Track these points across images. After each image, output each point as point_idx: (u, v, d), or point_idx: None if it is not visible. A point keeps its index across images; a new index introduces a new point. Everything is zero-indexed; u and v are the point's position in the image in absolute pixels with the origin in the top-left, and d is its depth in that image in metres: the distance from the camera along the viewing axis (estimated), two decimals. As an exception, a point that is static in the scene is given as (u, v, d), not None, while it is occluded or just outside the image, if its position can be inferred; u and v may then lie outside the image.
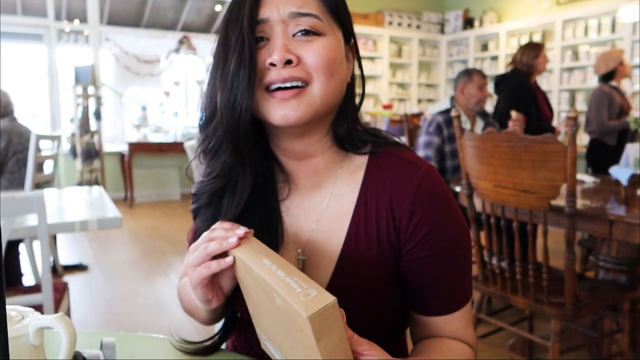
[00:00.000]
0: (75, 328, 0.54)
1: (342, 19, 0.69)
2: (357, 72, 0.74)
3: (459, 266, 0.71)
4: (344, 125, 0.71)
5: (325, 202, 0.73)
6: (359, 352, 0.55)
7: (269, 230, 0.72)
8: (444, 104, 2.90)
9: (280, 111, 0.64)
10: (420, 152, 2.76)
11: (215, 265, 0.61)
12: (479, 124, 2.85)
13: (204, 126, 0.70)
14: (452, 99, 2.82)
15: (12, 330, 0.54)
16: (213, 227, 0.64)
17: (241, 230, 0.61)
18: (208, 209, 0.72)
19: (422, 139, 2.79)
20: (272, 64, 0.64)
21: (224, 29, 0.66)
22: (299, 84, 0.64)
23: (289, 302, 0.50)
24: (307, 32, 0.65)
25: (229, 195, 0.70)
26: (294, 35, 0.65)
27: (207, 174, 0.72)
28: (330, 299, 0.49)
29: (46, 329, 0.56)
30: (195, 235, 0.72)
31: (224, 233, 0.62)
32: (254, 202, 0.72)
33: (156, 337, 0.79)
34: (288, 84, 0.64)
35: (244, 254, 0.59)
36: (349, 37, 0.72)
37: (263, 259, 0.57)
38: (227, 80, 0.64)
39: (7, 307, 0.59)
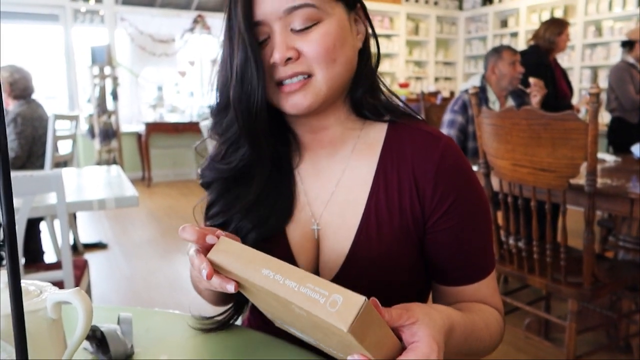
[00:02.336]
0: (91, 303, 0.55)
1: None
2: (369, 30, 0.73)
3: (484, 233, 0.72)
4: (359, 89, 0.72)
5: (342, 170, 0.73)
6: (399, 327, 0.52)
7: (281, 198, 0.72)
8: (474, 81, 2.83)
9: (289, 101, 0.67)
10: (444, 131, 2.71)
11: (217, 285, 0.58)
12: (510, 104, 2.76)
13: (217, 115, 0.71)
14: (484, 77, 2.74)
15: (30, 304, 0.55)
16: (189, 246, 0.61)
17: (204, 271, 0.55)
18: (218, 187, 0.73)
19: (446, 116, 2.72)
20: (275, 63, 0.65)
21: (226, 27, 0.67)
22: (304, 76, 0.66)
23: (317, 316, 0.47)
24: (304, 22, 0.65)
25: (245, 183, 0.71)
26: (292, 29, 0.65)
27: (221, 159, 0.72)
28: (360, 300, 0.46)
29: (64, 304, 0.57)
30: (207, 205, 0.74)
31: (195, 265, 0.57)
32: (269, 177, 0.72)
33: (172, 312, 0.80)
34: (295, 79, 0.66)
35: (237, 269, 0.55)
36: (354, 3, 0.70)
37: (261, 270, 0.53)
38: (237, 79, 0.66)
39: (26, 282, 0.61)
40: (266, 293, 0.53)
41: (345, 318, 0.45)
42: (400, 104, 0.76)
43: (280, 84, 0.67)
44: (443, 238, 0.69)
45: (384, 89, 0.75)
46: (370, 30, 0.73)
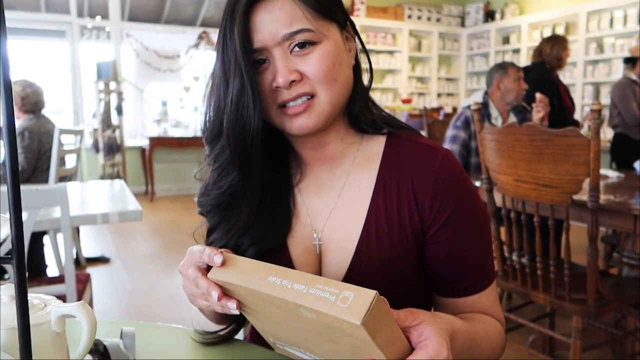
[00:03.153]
0: (95, 316, 0.55)
1: (332, 13, 0.68)
2: (359, 46, 0.74)
3: (483, 244, 0.72)
4: (357, 104, 0.73)
5: (342, 184, 0.74)
6: (406, 328, 0.53)
7: (280, 216, 0.73)
8: (476, 97, 2.85)
9: (295, 123, 0.68)
10: (446, 147, 2.71)
11: (218, 306, 0.60)
12: (512, 119, 2.77)
13: (210, 142, 0.72)
14: (486, 93, 2.76)
15: (34, 317, 0.55)
16: (188, 269, 0.63)
17: (215, 293, 0.58)
18: (215, 215, 0.74)
19: (449, 132, 2.74)
20: (279, 87, 0.66)
21: (220, 51, 0.67)
22: (308, 97, 0.67)
23: (329, 314, 0.47)
24: (302, 45, 0.66)
25: (237, 207, 0.72)
26: (291, 51, 0.66)
27: (213, 184, 0.73)
28: (371, 294, 0.47)
29: (68, 318, 0.57)
30: (207, 231, 0.76)
31: (202, 288, 0.60)
32: (265, 191, 0.73)
33: (175, 327, 0.80)
34: (299, 101, 0.67)
35: (242, 280, 0.55)
36: (344, 21, 0.71)
37: (267, 278, 0.53)
38: (232, 107, 0.66)
39: (31, 295, 0.61)
40: (273, 302, 0.53)
41: (357, 312, 0.46)
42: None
43: (283, 106, 0.67)
44: (442, 249, 0.70)
45: (371, 103, 0.76)
46: (360, 46, 0.74)
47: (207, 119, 0.71)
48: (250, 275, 0.55)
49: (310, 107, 0.67)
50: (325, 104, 0.67)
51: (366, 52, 0.75)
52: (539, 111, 2.65)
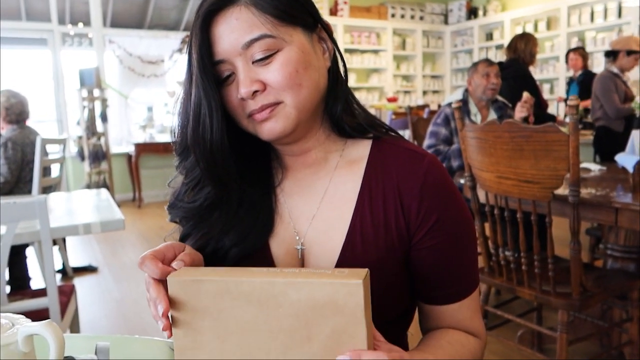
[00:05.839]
0: (62, 334, 0.54)
1: (294, 18, 0.67)
2: (330, 46, 0.73)
3: (468, 252, 0.72)
4: (337, 105, 0.72)
5: (325, 187, 0.73)
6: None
7: (262, 216, 0.72)
8: (457, 95, 2.90)
9: (264, 129, 0.67)
10: (426, 141, 2.76)
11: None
12: (492, 116, 2.81)
13: (179, 153, 0.72)
14: (466, 90, 2.83)
15: (1, 338, 0.54)
16: (146, 277, 0.59)
17: (161, 304, 0.55)
18: (189, 221, 0.73)
19: (429, 128, 2.79)
20: (243, 99, 0.66)
21: (187, 68, 0.67)
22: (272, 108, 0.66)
23: (327, 282, 0.50)
24: (263, 54, 0.65)
25: (216, 215, 0.71)
26: (253, 62, 0.65)
27: (186, 198, 0.73)
28: (364, 269, 0.52)
29: (37, 336, 0.56)
30: (180, 237, 0.74)
31: (151, 296, 0.57)
32: (244, 197, 0.72)
33: (152, 339, 0.79)
34: (266, 111, 0.66)
35: (219, 274, 0.55)
36: (314, 24, 0.70)
37: (249, 271, 0.54)
38: (193, 121, 0.66)
39: (-1, 314, 0.60)
40: (251, 292, 0.52)
41: (355, 276, 0.50)
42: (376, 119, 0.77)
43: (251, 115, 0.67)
44: (427, 255, 0.69)
45: (356, 105, 0.75)
46: (332, 48, 0.72)
47: (176, 131, 0.70)
48: (227, 271, 0.55)
49: (276, 112, 0.66)
50: (292, 108, 0.66)
51: (340, 54, 0.74)
52: (521, 110, 2.68)
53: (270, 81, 0.65)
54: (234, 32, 0.64)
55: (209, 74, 0.65)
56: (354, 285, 0.49)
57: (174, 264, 0.59)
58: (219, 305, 0.54)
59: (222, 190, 0.70)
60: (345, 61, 0.75)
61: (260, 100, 0.66)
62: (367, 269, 0.51)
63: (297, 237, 0.72)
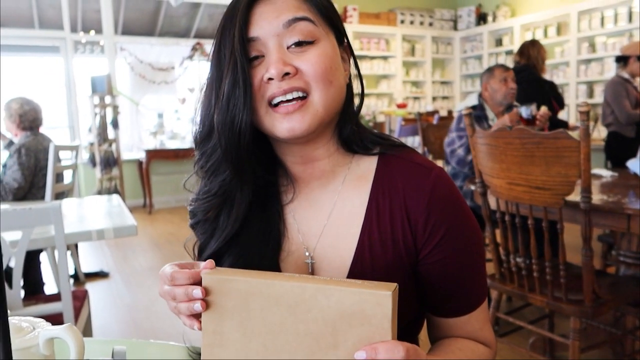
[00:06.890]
0: (82, 338, 0.56)
1: (334, 21, 0.69)
2: (353, 71, 0.74)
3: (475, 265, 0.71)
4: (347, 126, 0.72)
5: (333, 202, 0.73)
6: None
7: (269, 235, 0.72)
8: (471, 100, 2.89)
9: (285, 124, 0.65)
10: (455, 146, 2.69)
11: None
12: None
13: (200, 144, 0.71)
14: (480, 95, 2.81)
15: (23, 341, 0.55)
16: (170, 273, 0.61)
17: (197, 291, 0.57)
18: (205, 224, 0.73)
19: (452, 134, 2.75)
20: (271, 79, 0.64)
21: (216, 50, 0.67)
22: (300, 94, 0.65)
23: (357, 290, 0.51)
24: (300, 43, 0.65)
25: (227, 211, 0.71)
26: (288, 48, 0.65)
27: (204, 192, 0.72)
28: (393, 283, 0.52)
29: (57, 339, 0.57)
30: (198, 250, 0.74)
31: (184, 294, 0.58)
32: (253, 210, 0.72)
33: (168, 344, 0.80)
34: (289, 96, 0.64)
35: (251, 275, 0.56)
36: (342, 38, 0.72)
37: (280, 274, 0.56)
38: (223, 101, 0.65)
39: (20, 318, 0.61)
40: (282, 294, 0.53)
41: (385, 287, 0.51)
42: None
43: (273, 105, 0.65)
44: (435, 269, 0.69)
45: (362, 129, 0.75)
46: (355, 72, 0.73)
47: (199, 121, 0.70)
48: (258, 273, 0.56)
49: (304, 108, 0.65)
50: (319, 105, 0.65)
51: (361, 78, 0.74)
52: (536, 125, 2.68)
53: (304, 69, 0.65)
54: (278, 10, 0.65)
55: (247, 51, 0.65)
56: (383, 296, 0.49)
57: (205, 263, 0.60)
58: (248, 305, 0.55)
59: (237, 174, 0.68)
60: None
61: (287, 84, 0.64)
62: (396, 283, 0.52)
63: (307, 253, 0.72)
